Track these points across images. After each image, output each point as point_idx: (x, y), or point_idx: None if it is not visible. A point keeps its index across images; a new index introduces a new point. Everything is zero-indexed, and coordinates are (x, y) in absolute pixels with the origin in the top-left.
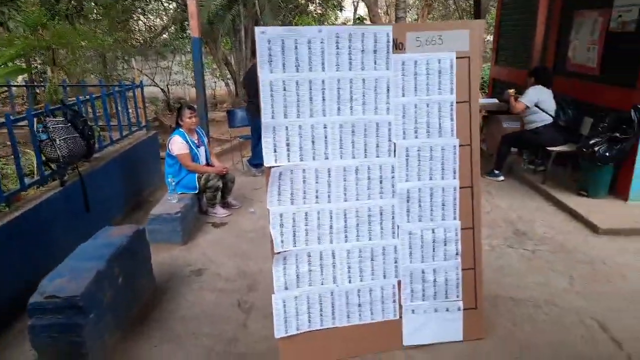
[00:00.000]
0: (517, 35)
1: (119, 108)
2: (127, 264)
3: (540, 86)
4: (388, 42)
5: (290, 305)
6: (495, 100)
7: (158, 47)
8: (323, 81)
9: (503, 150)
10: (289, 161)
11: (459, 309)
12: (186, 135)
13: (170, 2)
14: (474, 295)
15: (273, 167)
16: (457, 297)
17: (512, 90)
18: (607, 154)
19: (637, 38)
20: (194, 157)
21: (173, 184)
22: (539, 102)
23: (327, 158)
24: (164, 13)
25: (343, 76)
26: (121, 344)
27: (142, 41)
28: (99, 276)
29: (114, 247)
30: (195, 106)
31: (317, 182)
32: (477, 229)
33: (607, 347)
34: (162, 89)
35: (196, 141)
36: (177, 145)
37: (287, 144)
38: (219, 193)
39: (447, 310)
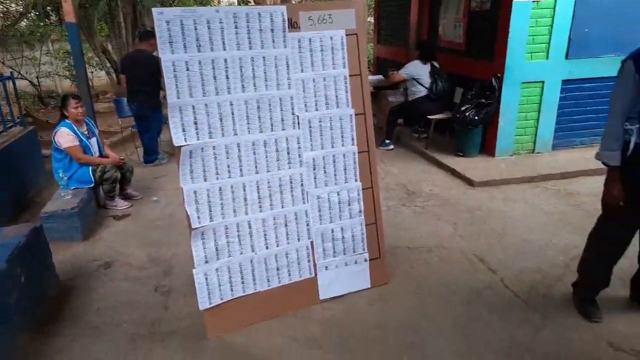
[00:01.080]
0: (394, 15)
1: None
2: (28, 264)
3: (418, 61)
4: (284, 21)
5: (212, 277)
6: (381, 77)
7: (19, 35)
8: (225, 60)
9: (391, 121)
10: (198, 139)
11: (365, 260)
12: (74, 126)
13: None
14: (377, 246)
15: (183, 146)
16: (363, 250)
17: (393, 70)
18: (476, 117)
19: (492, 16)
20: (86, 149)
21: (65, 179)
22: (416, 76)
23: (235, 134)
24: None
25: (244, 55)
26: (34, 345)
27: None
28: (0, 277)
29: (11, 247)
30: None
31: (228, 158)
32: (375, 188)
33: (486, 275)
34: (31, 82)
35: (86, 132)
36: (65, 137)
37: (195, 123)
38: (118, 185)
39: (356, 262)
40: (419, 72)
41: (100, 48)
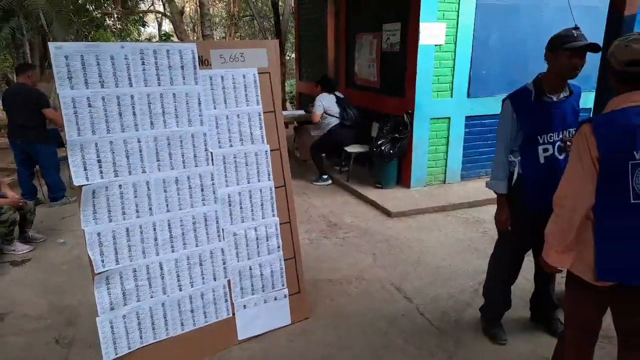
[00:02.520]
0: (314, 53)
1: None
2: None
3: (325, 94)
4: (194, 58)
5: (118, 325)
6: (303, 112)
7: None
8: (132, 96)
9: (316, 157)
10: (102, 178)
11: (285, 296)
12: None
13: None
14: (297, 281)
15: (84, 185)
16: (283, 285)
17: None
18: (391, 151)
19: (402, 57)
20: None
21: None
22: (326, 108)
23: (144, 172)
24: None
25: (153, 91)
26: None
27: None
28: None
29: None
30: None
31: (136, 197)
32: (293, 222)
33: (402, 303)
34: None
35: None
36: None
37: (99, 161)
38: (16, 227)
39: (275, 299)
40: (328, 103)
41: (3, 79)
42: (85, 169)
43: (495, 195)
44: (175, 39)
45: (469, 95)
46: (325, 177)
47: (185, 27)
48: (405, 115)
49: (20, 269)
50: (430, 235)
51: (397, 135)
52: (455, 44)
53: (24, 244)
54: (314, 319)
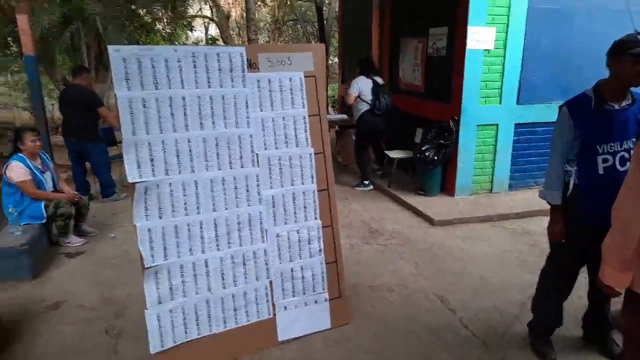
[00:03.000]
0: (356, 58)
1: None
2: None
3: (362, 77)
4: (242, 61)
5: (165, 319)
6: (345, 116)
7: None
8: (184, 98)
9: (360, 160)
10: (154, 176)
11: (325, 300)
12: (27, 160)
13: None
14: (338, 285)
15: (138, 182)
16: (323, 289)
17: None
18: (436, 158)
19: (448, 62)
20: (39, 184)
21: (15, 214)
22: (360, 92)
23: (193, 171)
24: None
25: (203, 93)
26: None
27: None
28: None
29: None
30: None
31: (184, 195)
32: (335, 226)
33: (445, 315)
34: None
35: (40, 167)
36: (17, 172)
37: (152, 159)
38: (72, 221)
39: (316, 302)
40: (363, 87)
41: (62, 81)
42: (138, 167)
43: (547, 206)
44: (220, 42)
45: (518, 102)
46: (366, 182)
47: (231, 32)
48: (450, 121)
49: (74, 261)
50: (475, 246)
51: (441, 141)
52: (504, 48)
53: (78, 237)
54: (353, 324)
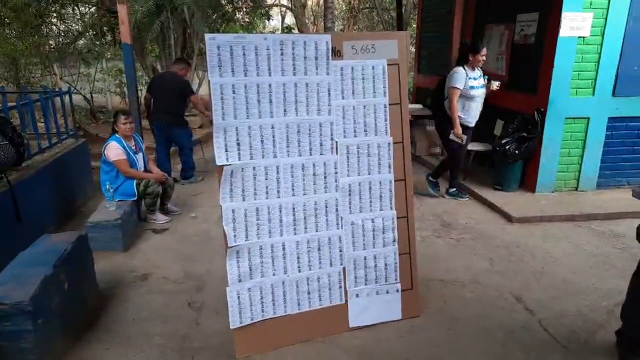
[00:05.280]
0: (436, 46)
1: (47, 115)
2: (72, 270)
3: (460, 68)
4: (327, 49)
5: (244, 297)
6: (420, 106)
7: (77, 53)
8: (270, 85)
9: (460, 162)
10: (239, 160)
11: (397, 291)
12: (123, 141)
13: (88, 6)
14: (410, 277)
15: (225, 165)
16: (396, 279)
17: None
18: (517, 151)
19: (536, 50)
20: (132, 163)
21: (111, 191)
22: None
23: (275, 156)
24: (79, 18)
25: (288, 80)
26: (71, 350)
27: (56, 47)
28: (45, 282)
29: (58, 253)
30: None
31: (266, 179)
32: (410, 218)
33: (522, 315)
34: (84, 97)
35: (133, 147)
36: (114, 151)
37: (238, 144)
38: (159, 199)
39: (387, 292)
40: (463, 79)
41: (150, 68)
42: (226, 151)
43: None
44: (295, 31)
45: (614, 94)
46: (464, 194)
47: (306, 20)
48: (535, 113)
49: (160, 237)
50: (557, 246)
51: (524, 134)
52: (602, 35)
53: (163, 215)
54: (424, 317)
